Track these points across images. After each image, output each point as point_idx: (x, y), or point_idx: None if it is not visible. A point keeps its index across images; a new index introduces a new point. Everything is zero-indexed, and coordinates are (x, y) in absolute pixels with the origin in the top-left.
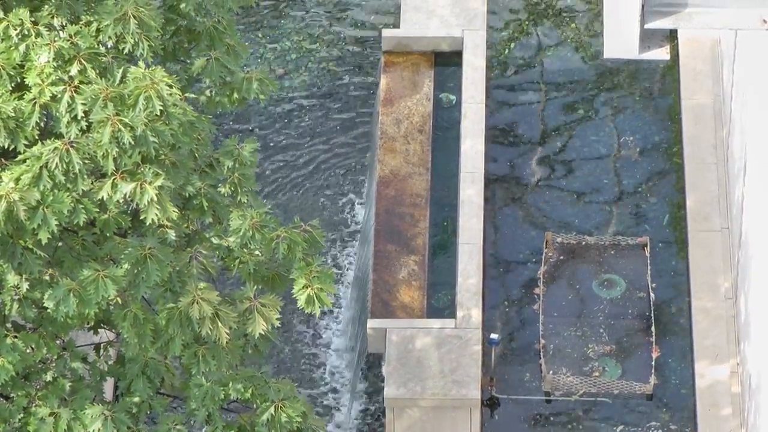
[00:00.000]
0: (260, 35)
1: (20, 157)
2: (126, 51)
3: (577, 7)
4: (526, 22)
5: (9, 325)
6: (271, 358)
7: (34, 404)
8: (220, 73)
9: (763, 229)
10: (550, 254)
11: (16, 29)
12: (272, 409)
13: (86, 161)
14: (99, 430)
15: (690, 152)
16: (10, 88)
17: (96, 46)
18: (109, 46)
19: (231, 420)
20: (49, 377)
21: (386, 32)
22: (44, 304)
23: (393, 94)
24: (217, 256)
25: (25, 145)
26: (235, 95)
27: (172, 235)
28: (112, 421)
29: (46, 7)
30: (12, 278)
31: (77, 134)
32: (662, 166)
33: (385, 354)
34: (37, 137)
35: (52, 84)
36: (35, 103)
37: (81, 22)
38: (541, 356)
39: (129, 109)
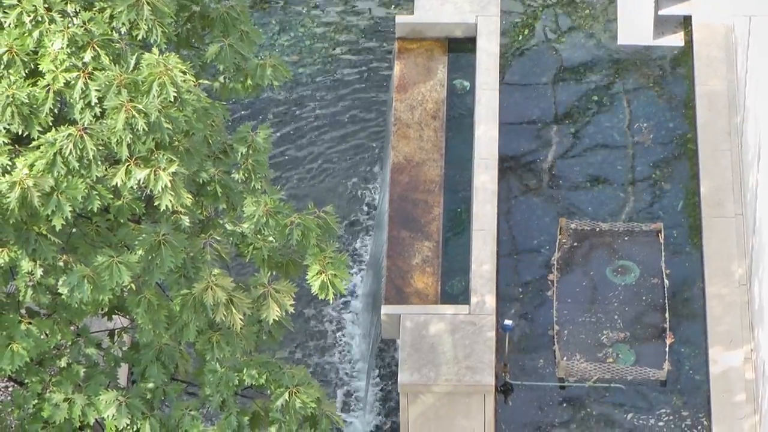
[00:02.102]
0: (273, 21)
1: (34, 143)
2: (140, 37)
3: None
4: (540, 9)
5: (23, 311)
6: None
7: (48, 390)
8: (234, 59)
9: None
10: (563, 240)
11: (29, 16)
12: (286, 395)
13: (100, 147)
14: (113, 415)
15: (704, 138)
16: (24, 75)
17: (110, 32)
18: (122, 33)
19: (245, 406)
20: (63, 363)
21: (400, 18)
22: (58, 291)
23: (407, 80)
24: (231, 242)
25: (39, 132)
26: (249, 82)
27: (185, 221)
28: (127, 406)
29: None
30: (26, 264)
31: (91, 121)
32: (676, 153)
33: (399, 340)
34: (51, 124)
35: (66, 70)
36: (49, 89)
37: (94, 9)
38: (555, 342)
39: (143, 95)
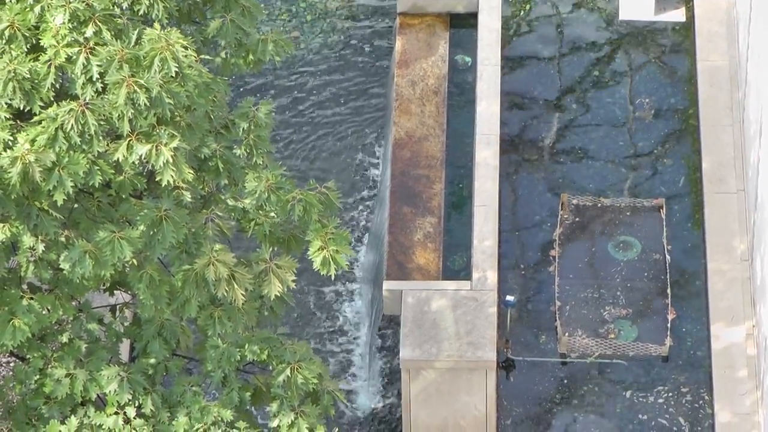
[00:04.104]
0: None
1: (36, 118)
2: (141, 12)
3: None
4: None
5: (25, 287)
6: None
7: (50, 365)
8: (236, 34)
9: None
10: (565, 216)
11: None
12: (288, 371)
13: (102, 123)
14: (115, 391)
15: (706, 114)
16: (26, 50)
17: (111, 7)
18: (124, 8)
19: (247, 382)
20: (65, 339)
21: None
22: (60, 266)
23: (408, 56)
24: (233, 217)
25: (41, 107)
26: (251, 57)
27: (187, 196)
28: (128, 382)
29: None
30: (28, 240)
31: (93, 96)
32: (678, 128)
33: (401, 316)
34: (52, 99)
35: (68, 45)
36: (51, 64)
37: None
38: (557, 318)
39: (144, 70)
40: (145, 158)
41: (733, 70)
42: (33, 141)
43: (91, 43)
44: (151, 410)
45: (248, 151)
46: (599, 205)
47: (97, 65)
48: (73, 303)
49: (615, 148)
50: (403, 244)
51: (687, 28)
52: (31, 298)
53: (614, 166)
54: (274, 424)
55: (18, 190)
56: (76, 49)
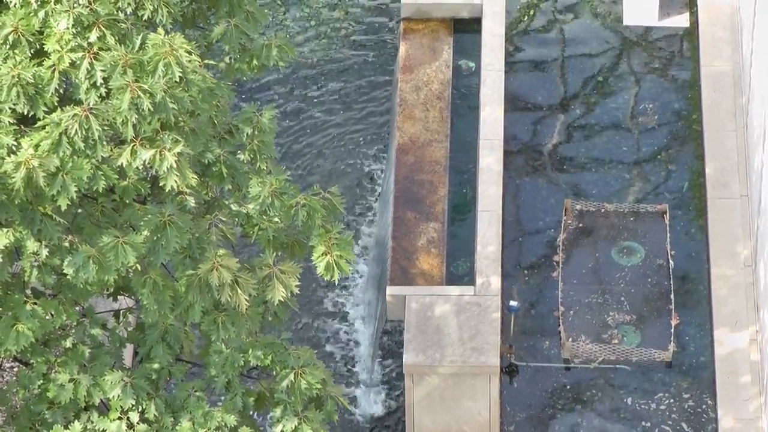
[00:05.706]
0: (279, 1)
1: (39, 123)
2: (145, 17)
3: None
4: None
5: (28, 292)
6: None
7: (53, 370)
8: (240, 39)
9: None
10: (569, 221)
11: None
12: (292, 376)
13: (105, 128)
14: (118, 396)
15: (709, 119)
16: (30, 55)
17: (115, 12)
18: (128, 13)
19: (250, 387)
20: (68, 344)
21: None
22: (64, 271)
23: (412, 61)
24: (237, 222)
25: (45, 112)
26: (255, 62)
27: (191, 201)
28: (132, 387)
29: None
30: (31, 245)
31: (96, 101)
32: (681, 134)
33: (404, 321)
34: (56, 104)
35: (72, 50)
36: (54, 69)
37: None
38: (560, 324)
39: (148, 75)
40: (148, 163)
41: (736, 76)
42: (37, 146)
43: (95, 48)
44: (155, 415)
45: (252, 156)
46: (603, 210)
47: (101, 70)
48: (77, 308)
49: (619, 154)
50: (407, 249)
51: (691, 33)
52: (35, 303)
53: (618, 172)
54: (278, 429)
55: (22, 195)
56: (80, 54)
